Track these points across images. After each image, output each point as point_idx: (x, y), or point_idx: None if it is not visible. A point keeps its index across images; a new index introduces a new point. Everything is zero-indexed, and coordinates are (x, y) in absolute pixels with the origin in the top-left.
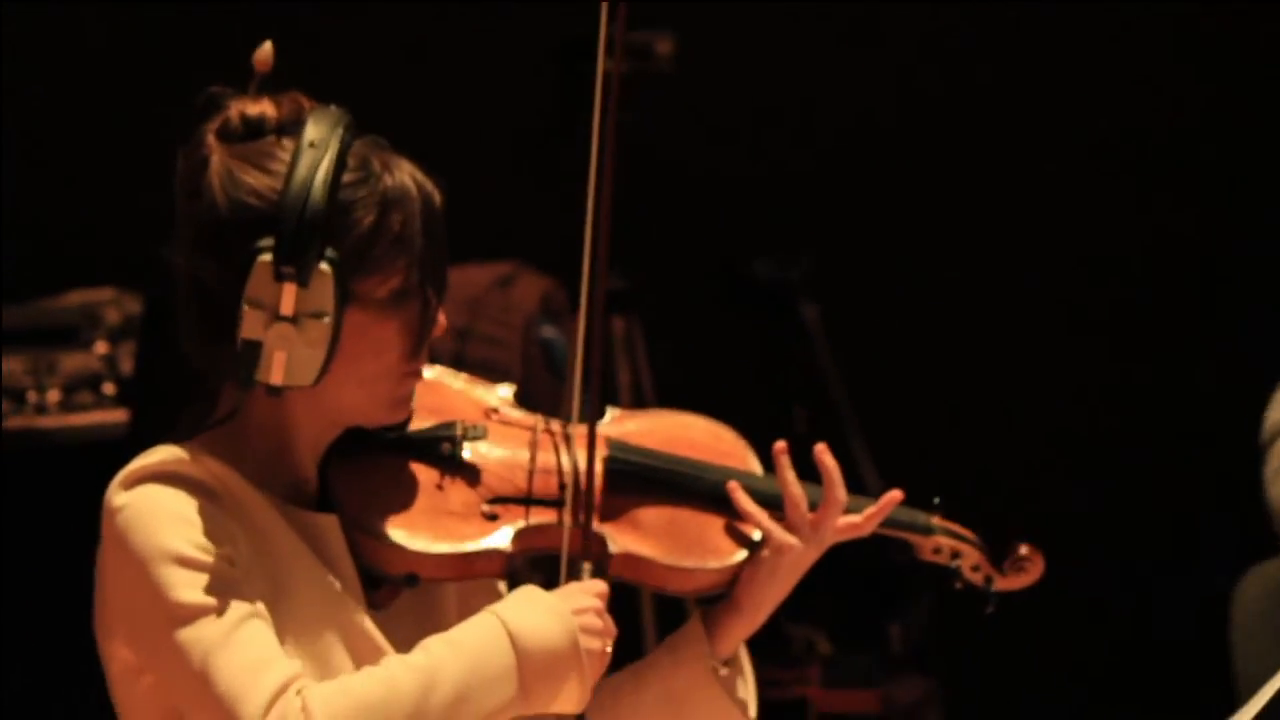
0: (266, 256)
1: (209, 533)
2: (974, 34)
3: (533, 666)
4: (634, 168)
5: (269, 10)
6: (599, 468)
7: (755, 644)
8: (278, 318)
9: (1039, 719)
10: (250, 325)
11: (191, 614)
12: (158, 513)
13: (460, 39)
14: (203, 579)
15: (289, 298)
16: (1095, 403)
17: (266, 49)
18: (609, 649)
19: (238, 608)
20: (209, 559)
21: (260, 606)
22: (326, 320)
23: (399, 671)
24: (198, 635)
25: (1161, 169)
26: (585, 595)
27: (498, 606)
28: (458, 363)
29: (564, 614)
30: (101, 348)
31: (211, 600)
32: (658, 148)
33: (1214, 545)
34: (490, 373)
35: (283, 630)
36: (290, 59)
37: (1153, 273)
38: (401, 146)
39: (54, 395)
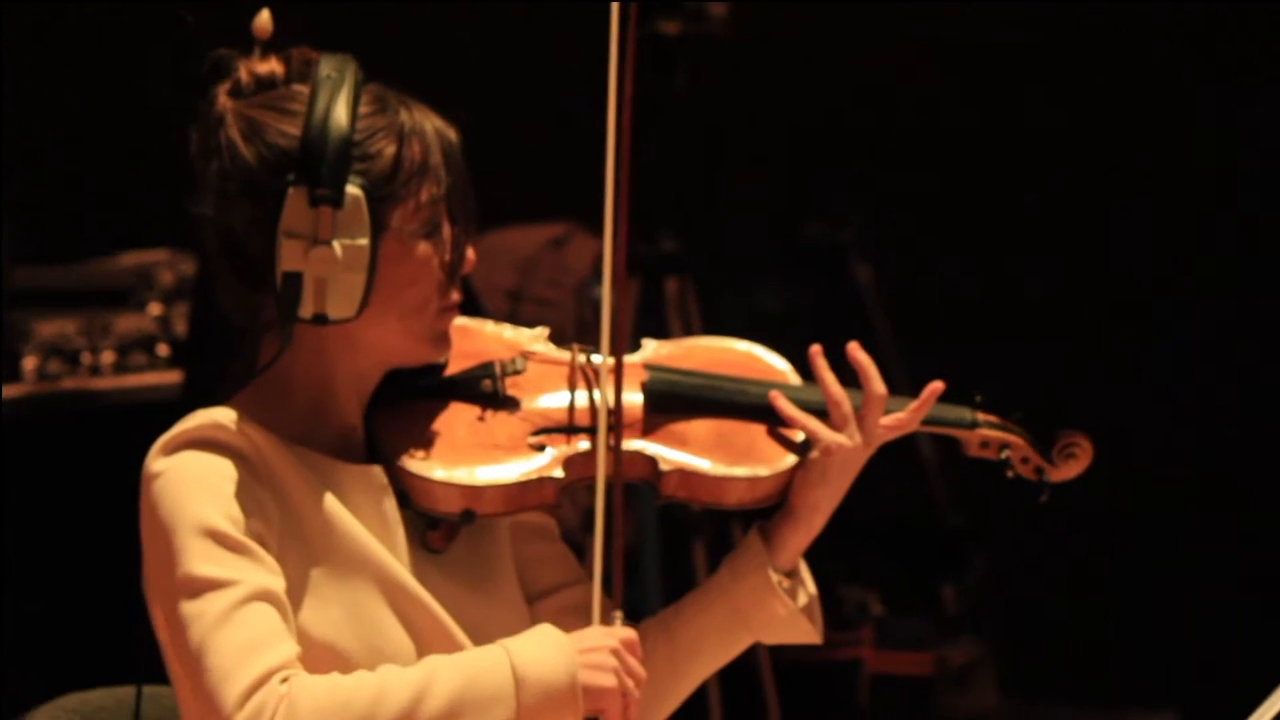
0: (299, 187)
1: (238, 504)
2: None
3: (530, 694)
4: (686, 130)
5: None
6: (638, 391)
7: None
8: (316, 242)
9: (1090, 682)
10: (289, 257)
11: (200, 586)
12: (188, 481)
13: None
14: (220, 553)
15: (326, 221)
16: (1157, 362)
17: (264, 17)
18: (634, 690)
19: (247, 587)
20: (231, 533)
21: (275, 586)
22: (364, 243)
23: (392, 678)
24: (201, 609)
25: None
26: (601, 636)
27: (506, 640)
28: (510, 323)
29: (568, 650)
30: (155, 309)
31: (223, 575)
32: (710, 110)
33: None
34: None
35: (322, 591)
36: (329, 18)
37: (1213, 230)
38: (454, 105)
39: (108, 356)
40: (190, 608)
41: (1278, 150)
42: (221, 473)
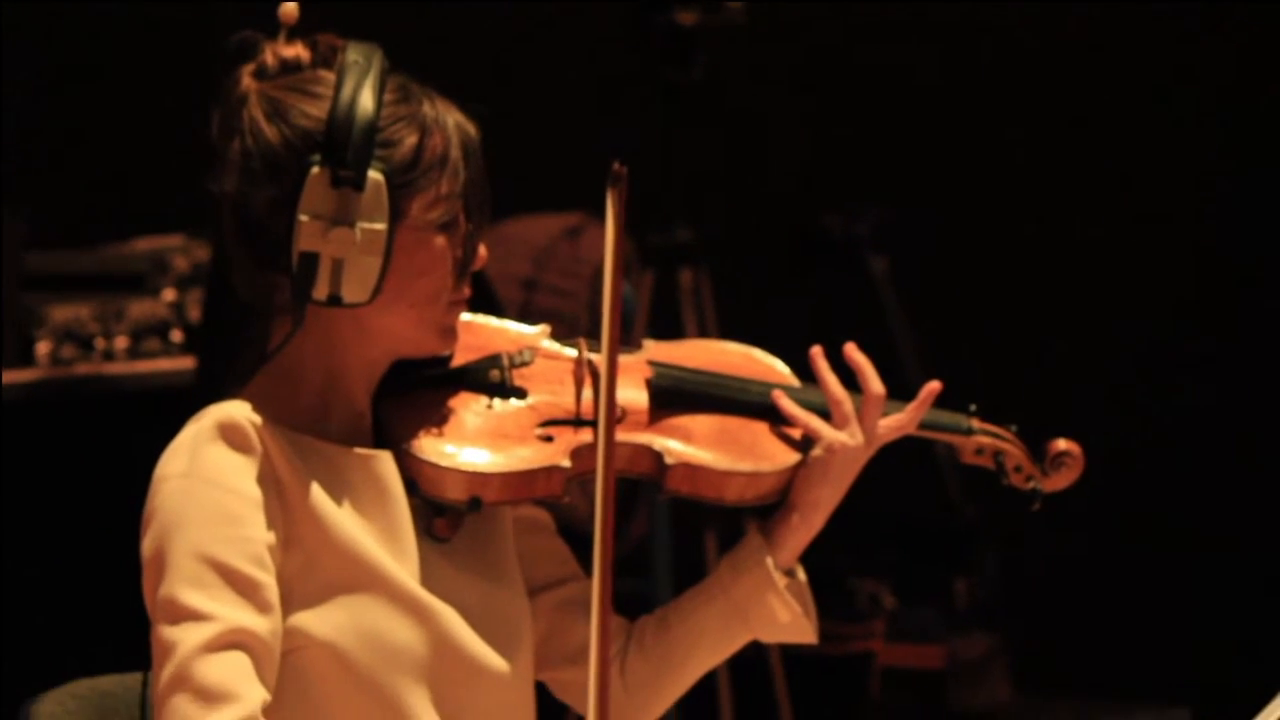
0: (321, 167)
1: (243, 517)
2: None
3: None
4: (702, 120)
5: None
6: (643, 388)
7: (820, 598)
8: (335, 223)
9: (1103, 677)
10: (307, 237)
11: (180, 614)
12: (195, 495)
13: None
14: (209, 580)
15: (347, 203)
16: (1171, 361)
17: (290, 4)
18: None
19: (225, 625)
20: (226, 560)
21: (257, 627)
22: (382, 228)
23: None
24: (176, 639)
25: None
26: None
27: None
28: (524, 313)
29: None
30: (169, 295)
31: (205, 607)
32: (726, 100)
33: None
34: (558, 324)
35: (325, 593)
36: (351, 6)
37: (1229, 232)
38: (469, 95)
39: (122, 342)
40: (167, 634)
41: None
42: (229, 484)
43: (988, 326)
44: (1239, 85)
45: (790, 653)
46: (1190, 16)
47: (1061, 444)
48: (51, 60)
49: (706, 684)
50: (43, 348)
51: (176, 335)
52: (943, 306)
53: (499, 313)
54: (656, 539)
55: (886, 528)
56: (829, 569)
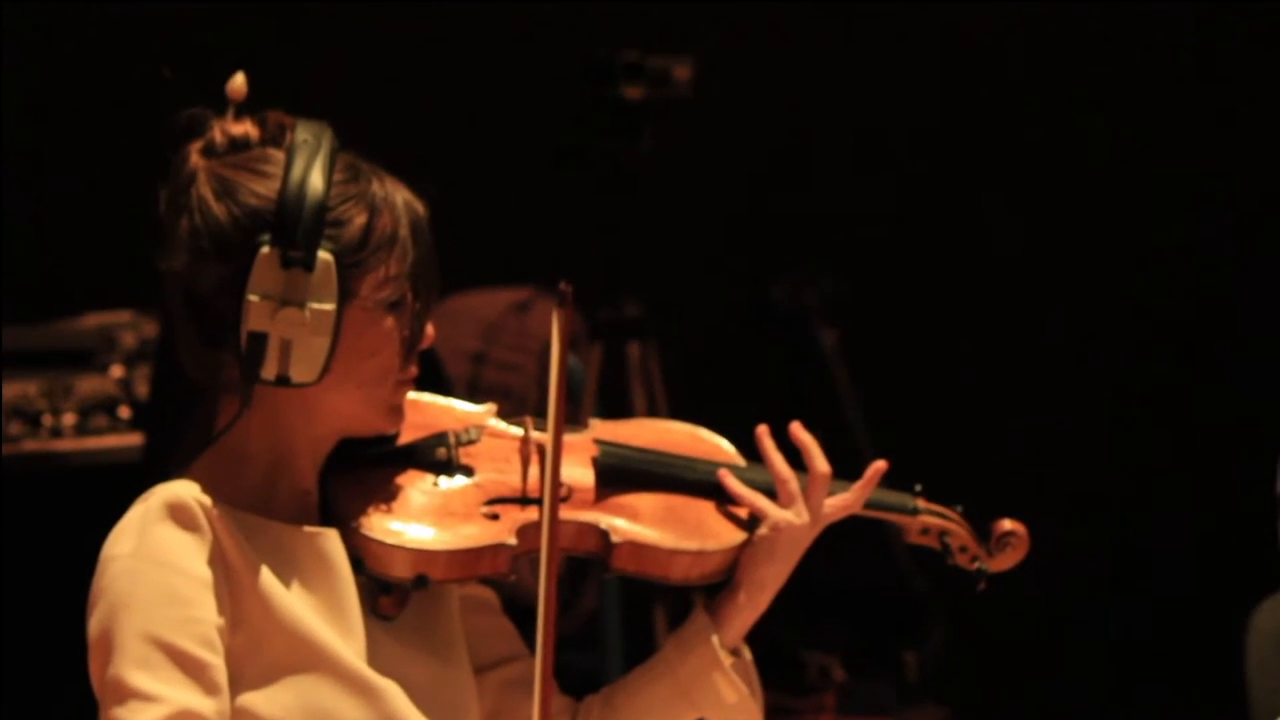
0: (270, 247)
1: (190, 597)
2: (993, 59)
3: None
4: (650, 193)
5: (279, 35)
6: (589, 467)
7: (769, 671)
8: (284, 303)
9: None
10: (256, 317)
11: (127, 694)
12: (142, 575)
13: (477, 61)
14: (156, 661)
15: (296, 283)
16: (1117, 432)
17: (239, 80)
18: None
19: (172, 707)
20: (174, 641)
21: (202, 708)
22: (331, 308)
23: None
24: (127, 718)
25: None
26: None
27: None
28: (473, 388)
29: None
30: (117, 371)
31: (152, 689)
32: (674, 173)
33: (1234, 578)
34: (506, 398)
35: (272, 673)
36: (300, 82)
37: (1182, 301)
38: (416, 170)
39: (69, 418)
40: (115, 714)
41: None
42: (177, 564)
43: (937, 398)
44: (1204, 184)
45: None
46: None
47: (1007, 524)
48: None
49: None
50: None
51: (124, 411)
52: (892, 378)
53: (447, 388)
54: (606, 614)
55: (836, 600)
56: (778, 641)
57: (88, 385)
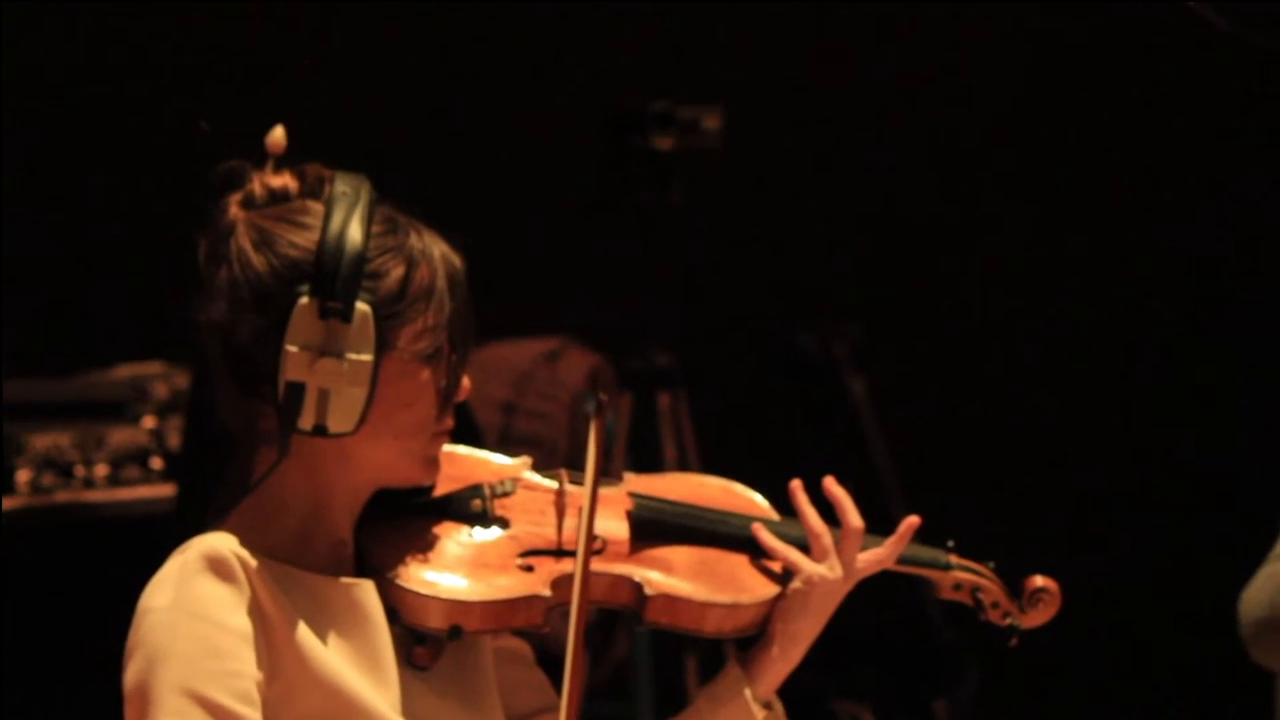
0: (309, 298)
1: (227, 651)
2: (1021, 101)
3: None
4: (679, 242)
5: (312, 90)
6: (624, 520)
7: (801, 719)
8: (322, 354)
9: None
10: (294, 367)
11: None
12: (179, 629)
13: (504, 113)
14: (194, 717)
15: (335, 334)
16: (1149, 478)
17: (278, 133)
18: None
19: None
20: (210, 695)
21: None
22: (368, 359)
23: None
24: None
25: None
26: None
27: None
28: (504, 438)
29: None
30: (149, 422)
31: None
32: (704, 223)
33: None
34: (537, 447)
35: (304, 715)
36: (333, 134)
37: (1207, 343)
38: (445, 221)
39: (101, 470)
40: None
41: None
42: (215, 618)
43: (967, 446)
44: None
45: None
46: (1164, 117)
47: (1039, 580)
48: (30, 184)
49: None
50: (23, 476)
51: (156, 463)
52: (921, 426)
53: (479, 438)
54: (636, 663)
55: (866, 647)
56: (809, 690)
57: (120, 436)
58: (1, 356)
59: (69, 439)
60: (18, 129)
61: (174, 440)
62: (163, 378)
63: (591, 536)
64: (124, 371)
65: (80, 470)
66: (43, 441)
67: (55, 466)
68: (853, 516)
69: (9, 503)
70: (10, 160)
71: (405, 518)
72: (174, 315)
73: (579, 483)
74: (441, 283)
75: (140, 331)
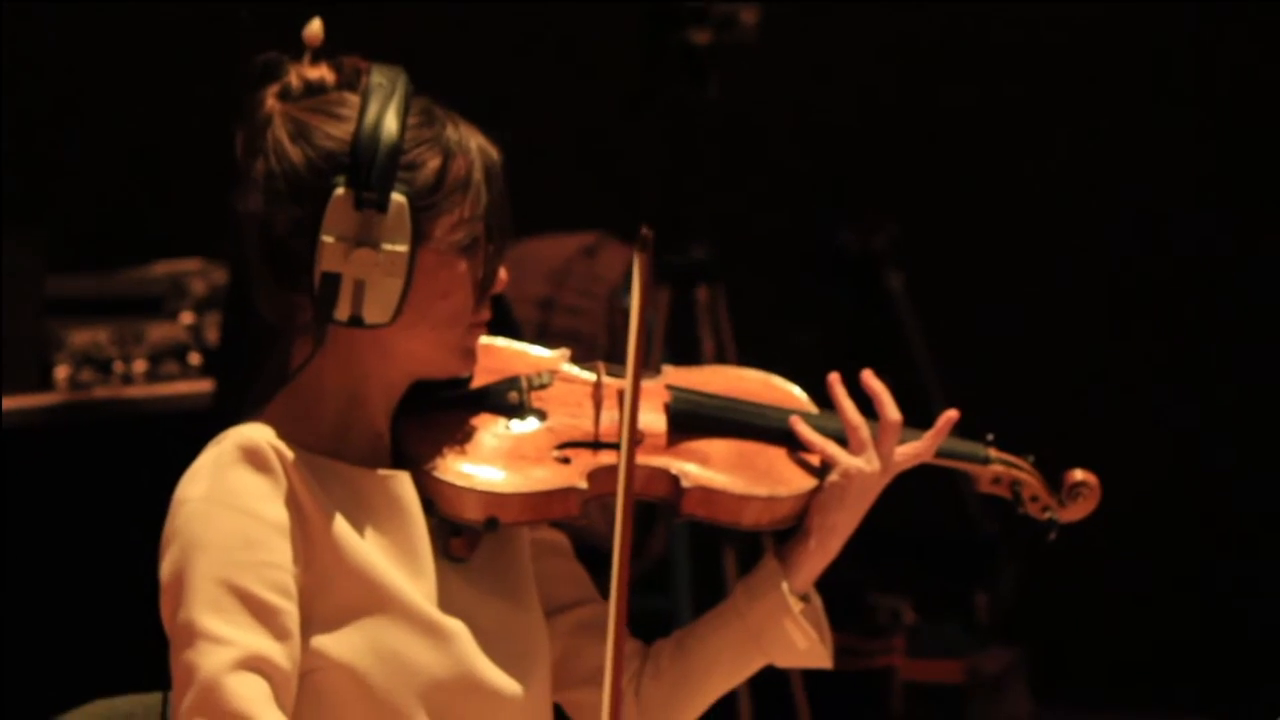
0: (345, 189)
1: (262, 541)
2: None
3: None
4: (718, 138)
5: None
6: (662, 412)
7: (840, 614)
8: (358, 244)
9: (1123, 691)
10: (330, 258)
11: (198, 636)
12: (215, 519)
13: (546, 8)
14: (228, 604)
15: (370, 224)
16: (1196, 376)
17: (315, 25)
18: None
19: (242, 650)
20: (244, 585)
21: (273, 653)
22: (404, 249)
23: None
24: (194, 663)
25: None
26: None
27: None
28: (542, 333)
29: None
30: (187, 318)
31: (223, 632)
32: (742, 117)
33: None
34: (575, 342)
35: (341, 615)
36: (372, 28)
37: (1242, 260)
38: (483, 115)
39: (140, 365)
40: (186, 658)
41: None
42: (250, 508)
43: (1005, 341)
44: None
45: (811, 669)
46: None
47: (1078, 474)
48: (67, 85)
49: (727, 699)
50: (61, 372)
51: (194, 358)
52: (960, 321)
53: (517, 333)
54: (675, 557)
55: (906, 543)
56: (849, 584)
57: (158, 332)
58: (43, 253)
59: (107, 335)
60: (55, 24)
61: (212, 336)
62: (200, 274)
63: (635, 428)
64: (162, 268)
65: (119, 366)
66: (81, 337)
67: (94, 362)
68: (890, 409)
69: (48, 398)
70: (46, 60)
71: (442, 410)
72: (212, 212)
73: (617, 375)
74: (478, 174)
75: (178, 228)
